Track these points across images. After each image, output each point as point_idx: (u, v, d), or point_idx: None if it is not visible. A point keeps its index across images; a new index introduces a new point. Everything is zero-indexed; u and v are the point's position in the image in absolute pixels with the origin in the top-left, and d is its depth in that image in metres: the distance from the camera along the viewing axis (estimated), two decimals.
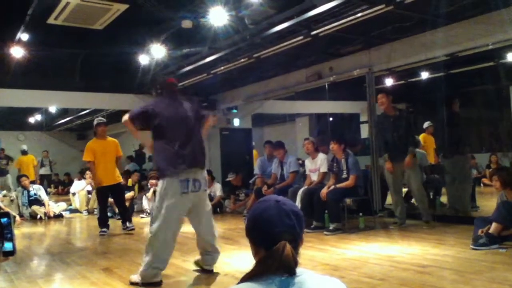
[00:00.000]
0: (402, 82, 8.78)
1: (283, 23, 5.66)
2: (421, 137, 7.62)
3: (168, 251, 3.63)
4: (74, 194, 9.74)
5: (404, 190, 6.45)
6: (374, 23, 5.84)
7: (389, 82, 8.71)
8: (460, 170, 6.20)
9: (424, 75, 8.40)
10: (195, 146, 3.72)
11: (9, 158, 11.36)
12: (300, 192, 6.13)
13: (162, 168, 3.63)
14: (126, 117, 3.72)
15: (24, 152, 10.80)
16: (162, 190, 3.60)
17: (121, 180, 6.67)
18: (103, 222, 6.42)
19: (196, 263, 3.99)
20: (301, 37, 6.06)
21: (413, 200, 6.59)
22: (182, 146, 3.62)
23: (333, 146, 5.96)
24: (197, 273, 3.96)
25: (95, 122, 6.48)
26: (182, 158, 3.59)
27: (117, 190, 6.56)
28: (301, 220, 1.30)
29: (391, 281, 3.41)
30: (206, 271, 3.90)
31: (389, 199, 7.47)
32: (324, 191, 5.69)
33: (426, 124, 8.03)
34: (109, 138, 6.53)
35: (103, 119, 6.49)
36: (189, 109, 3.83)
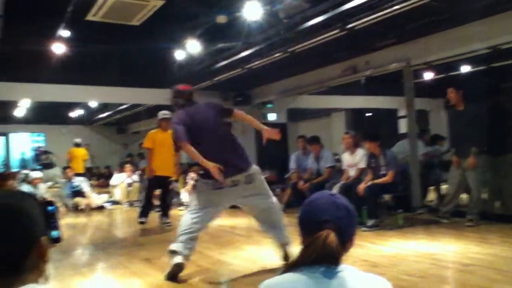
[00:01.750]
0: (442, 76, 8.54)
1: (318, 16, 5.59)
2: None
3: (186, 232, 3.60)
4: (114, 186, 10.02)
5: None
6: (411, 16, 5.68)
7: (427, 76, 8.49)
8: (509, 169, 5.94)
9: (464, 69, 8.12)
10: (226, 152, 3.66)
11: (47, 153, 11.76)
12: (336, 187, 6.08)
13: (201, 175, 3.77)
14: (183, 145, 3.63)
15: (77, 145, 11.19)
16: (196, 189, 3.88)
17: (172, 175, 6.74)
18: (146, 212, 6.52)
19: (281, 256, 3.81)
20: (336, 31, 5.98)
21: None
22: (211, 156, 3.54)
23: (368, 146, 5.88)
24: (232, 266, 4.01)
25: (159, 117, 6.61)
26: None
27: (166, 183, 6.66)
28: (351, 215, 1.29)
29: (431, 279, 3.34)
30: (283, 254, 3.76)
31: (430, 196, 7.30)
32: (361, 186, 5.62)
33: None
34: (171, 132, 6.67)
35: (167, 114, 6.57)
36: (210, 111, 3.80)
